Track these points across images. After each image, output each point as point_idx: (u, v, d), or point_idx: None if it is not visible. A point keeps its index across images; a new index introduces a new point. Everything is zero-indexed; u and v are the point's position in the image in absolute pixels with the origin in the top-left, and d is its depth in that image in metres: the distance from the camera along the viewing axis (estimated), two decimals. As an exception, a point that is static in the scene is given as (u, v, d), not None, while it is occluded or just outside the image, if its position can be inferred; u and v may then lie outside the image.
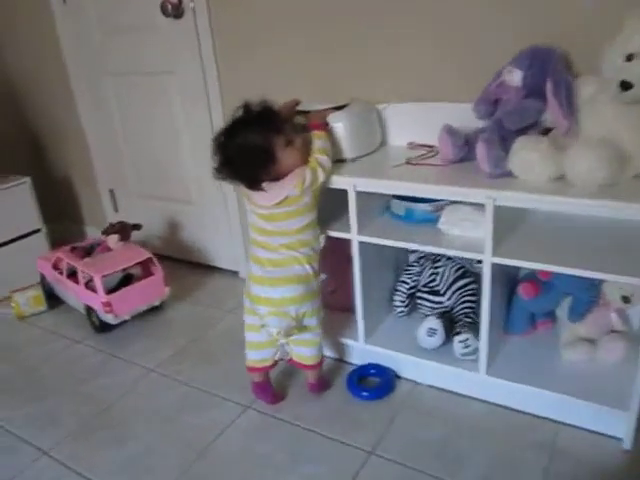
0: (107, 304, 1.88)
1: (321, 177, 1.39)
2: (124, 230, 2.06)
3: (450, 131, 1.40)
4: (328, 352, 1.72)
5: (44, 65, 2.51)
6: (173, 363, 1.80)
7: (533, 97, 1.32)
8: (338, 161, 1.51)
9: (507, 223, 1.33)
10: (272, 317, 1.43)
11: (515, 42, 1.38)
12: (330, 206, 1.51)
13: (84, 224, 2.82)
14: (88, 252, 2.10)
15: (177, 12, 1.91)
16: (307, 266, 1.42)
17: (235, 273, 2.33)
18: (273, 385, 1.59)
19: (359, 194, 1.44)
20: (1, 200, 2.29)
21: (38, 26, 2.42)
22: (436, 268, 1.62)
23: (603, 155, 1.14)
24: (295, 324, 1.44)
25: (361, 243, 1.49)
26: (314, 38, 1.74)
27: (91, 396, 1.68)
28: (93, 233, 2.76)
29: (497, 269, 1.33)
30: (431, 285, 1.62)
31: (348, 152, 1.53)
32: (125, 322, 1.99)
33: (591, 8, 1.32)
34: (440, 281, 1.60)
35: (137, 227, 2.10)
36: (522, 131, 1.32)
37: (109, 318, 1.91)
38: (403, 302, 1.68)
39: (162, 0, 1.88)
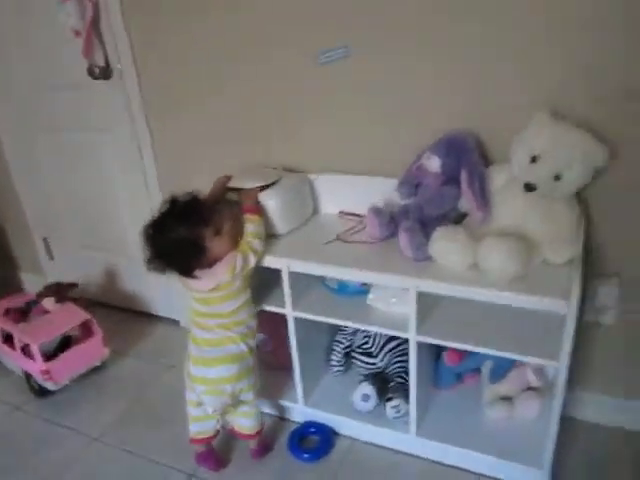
0: (45, 372, 1.87)
1: (252, 262, 1.43)
2: (60, 291, 2.04)
3: (376, 212, 1.48)
4: (269, 410, 1.79)
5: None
6: (117, 429, 1.81)
7: (451, 184, 1.41)
8: (271, 236, 1.57)
9: (430, 301, 1.42)
10: (208, 396, 1.49)
11: (441, 124, 1.47)
12: (266, 278, 1.56)
13: (20, 271, 2.75)
14: (24, 312, 2.06)
15: (105, 74, 1.89)
16: (242, 344, 1.47)
17: (176, 322, 2.34)
18: (216, 452, 1.64)
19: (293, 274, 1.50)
20: None
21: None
22: (369, 330, 1.70)
23: (513, 250, 1.24)
24: (231, 401, 1.50)
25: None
26: (247, 104, 1.77)
27: (35, 471, 1.68)
28: (29, 280, 2.70)
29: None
30: (364, 347, 1.70)
31: (280, 228, 1.58)
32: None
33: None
34: (372, 343, 1.69)
35: (74, 286, 2.08)
36: (442, 216, 1.42)
37: (48, 385, 1.90)
38: (339, 361, 1.76)
39: (88, 65, 1.85)
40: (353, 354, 1.74)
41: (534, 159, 1.26)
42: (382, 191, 1.58)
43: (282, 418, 1.80)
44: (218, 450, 1.65)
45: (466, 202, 1.39)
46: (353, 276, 1.42)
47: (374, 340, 1.68)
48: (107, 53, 1.88)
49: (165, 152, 1.99)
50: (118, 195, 2.21)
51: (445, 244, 1.31)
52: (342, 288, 1.57)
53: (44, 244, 2.53)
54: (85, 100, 2.05)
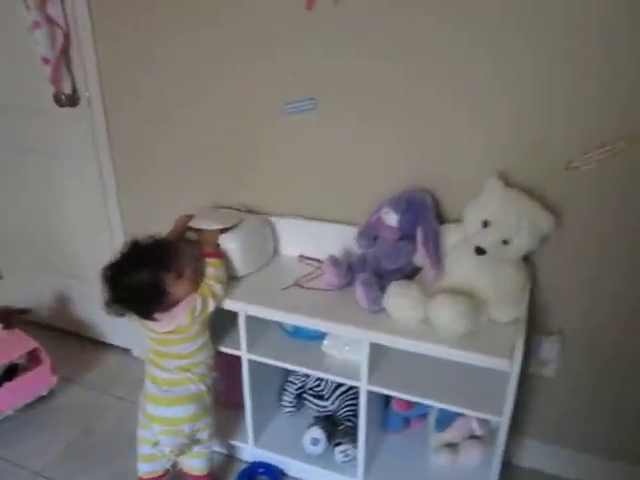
0: (-13, 403, 1.82)
1: (211, 306, 1.45)
2: (8, 317, 1.99)
3: (334, 262, 1.52)
4: (219, 449, 1.79)
5: None
6: (62, 462, 1.78)
7: (407, 239, 1.47)
8: (232, 278, 1.58)
9: (382, 350, 1.46)
10: (165, 436, 1.48)
11: (401, 178, 1.54)
12: (222, 318, 1.57)
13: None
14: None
15: (72, 102, 1.88)
16: (201, 385, 1.48)
17: (127, 351, 2.30)
18: (164, 493, 1.63)
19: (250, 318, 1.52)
20: None
21: None
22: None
23: (462, 310, 1.29)
24: (188, 441, 1.50)
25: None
26: (213, 142, 1.79)
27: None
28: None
29: (373, 394, 1.47)
30: (316, 389, 1.73)
31: (240, 270, 1.60)
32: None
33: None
34: (324, 387, 1.71)
35: (24, 312, 2.04)
36: (397, 270, 1.47)
37: (-11, 416, 1.85)
38: (291, 402, 1.77)
39: (55, 91, 1.84)
40: (305, 395, 1.76)
41: (485, 224, 1.33)
42: (342, 238, 1.62)
43: (231, 457, 1.80)
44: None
45: (420, 260, 1.45)
46: (308, 324, 1.45)
47: (326, 383, 1.71)
48: (75, 81, 1.87)
49: (129, 184, 1.98)
50: (75, 221, 2.18)
51: (398, 300, 1.36)
52: (298, 332, 1.59)
53: (-6, 263, 2.46)
54: (50, 125, 2.02)
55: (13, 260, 2.45)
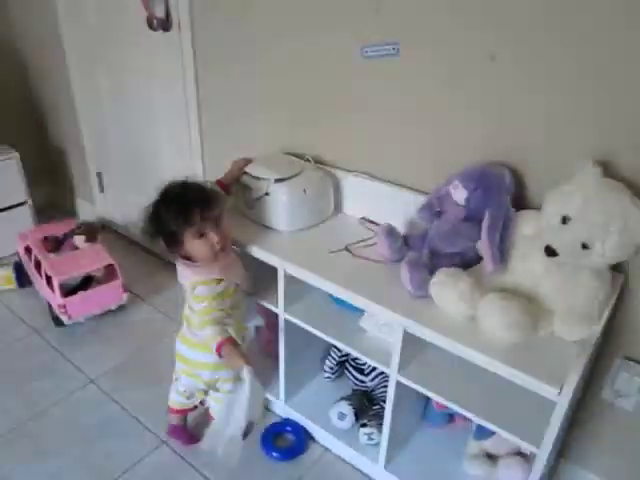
0: (62, 306, 1.96)
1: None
2: (91, 231, 2.10)
3: (388, 232, 1.35)
4: (255, 397, 1.77)
5: (45, 41, 2.49)
6: (113, 376, 1.88)
7: (472, 221, 1.25)
8: (276, 231, 1.50)
9: (420, 341, 1.30)
10: (184, 375, 1.50)
11: (483, 149, 1.31)
12: (267, 270, 1.50)
13: (76, 196, 2.88)
14: (59, 243, 2.16)
15: (164, 26, 1.84)
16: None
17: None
18: (189, 428, 1.66)
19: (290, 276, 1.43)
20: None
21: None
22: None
23: (513, 318, 1.08)
24: (204, 388, 1.50)
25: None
26: (292, 82, 1.66)
27: (28, 397, 1.79)
28: (83, 206, 2.83)
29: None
30: (358, 362, 1.62)
31: (287, 225, 1.50)
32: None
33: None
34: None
35: (103, 228, 2.14)
36: (455, 254, 1.27)
37: (64, 318, 1.99)
38: (332, 369, 1.69)
39: (147, 15, 1.81)
40: (347, 365, 1.67)
41: (564, 220, 1.08)
42: (409, 206, 1.44)
43: (265, 408, 1.78)
44: (191, 425, 1.67)
45: (481, 249, 1.23)
46: (343, 296, 1.32)
47: (368, 357, 1.60)
48: (169, 5, 1.82)
49: (209, 110, 1.95)
50: (162, 143, 2.22)
51: (442, 291, 1.18)
52: (341, 299, 1.48)
53: (97, 178, 2.61)
54: (145, 47, 2.03)
55: (112, 177, 2.58)
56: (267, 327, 1.73)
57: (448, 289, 1.17)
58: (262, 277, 1.52)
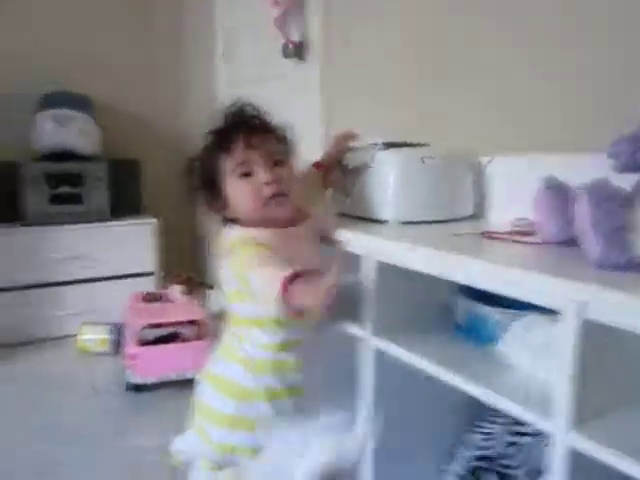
0: (133, 357, 1.61)
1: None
2: (191, 283, 1.80)
3: (552, 187, 0.78)
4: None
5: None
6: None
7: None
8: (379, 222, 1.01)
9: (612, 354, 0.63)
10: (191, 430, 0.97)
11: None
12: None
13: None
14: (160, 297, 1.90)
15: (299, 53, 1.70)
16: None
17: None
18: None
19: (386, 270, 0.89)
20: (130, 236, 2.31)
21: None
22: (516, 434, 0.91)
23: None
24: (211, 457, 0.93)
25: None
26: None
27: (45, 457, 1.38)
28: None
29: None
30: (504, 462, 0.91)
31: (392, 211, 1.00)
32: (154, 389, 1.67)
33: None
34: (517, 455, 0.89)
35: (207, 286, 1.83)
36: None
37: (132, 375, 1.62)
38: (460, 477, 0.99)
39: (284, 39, 1.68)
40: (487, 474, 0.95)
41: None
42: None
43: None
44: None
45: None
46: (462, 266, 0.74)
47: (525, 453, 0.89)
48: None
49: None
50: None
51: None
52: (472, 325, 0.87)
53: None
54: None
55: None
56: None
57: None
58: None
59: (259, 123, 0.90)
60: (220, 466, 0.94)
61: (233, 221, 0.92)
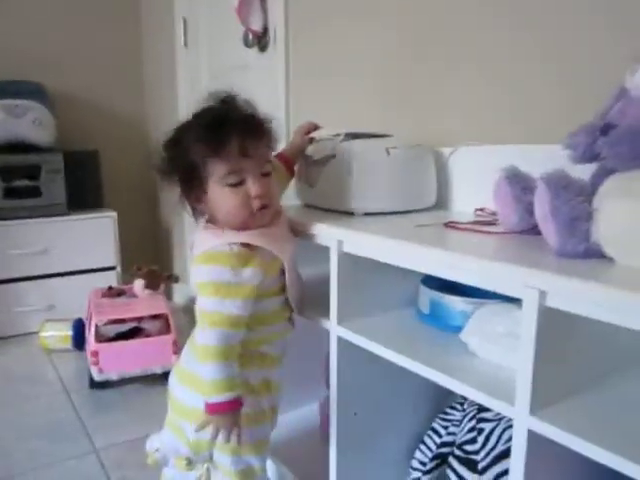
0: (94, 354, 1.56)
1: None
2: (153, 277, 1.76)
3: (511, 177, 0.79)
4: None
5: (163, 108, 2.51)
6: (120, 451, 1.37)
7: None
8: (345, 213, 1.00)
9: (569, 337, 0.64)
10: (166, 428, 0.96)
11: None
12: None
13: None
14: (123, 292, 1.85)
15: (260, 44, 1.67)
16: None
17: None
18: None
19: (351, 260, 0.89)
20: (89, 230, 2.25)
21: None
22: (482, 421, 0.93)
23: None
24: (188, 455, 0.93)
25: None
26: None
27: (22, 454, 1.35)
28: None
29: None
30: (468, 448, 0.93)
31: (356, 201, 1.00)
32: (119, 384, 1.64)
33: None
34: (482, 446, 0.90)
35: (172, 279, 1.79)
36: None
37: (94, 372, 1.58)
38: (423, 464, 1.00)
39: (244, 28, 1.65)
40: (450, 459, 0.97)
41: None
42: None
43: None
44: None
45: None
46: (424, 256, 0.74)
47: (486, 440, 0.90)
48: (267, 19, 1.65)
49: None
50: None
51: (629, 207, 0.57)
52: (436, 314, 0.88)
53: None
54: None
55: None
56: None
57: (628, 199, 0.56)
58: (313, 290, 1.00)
59: (255, 125, 0.86)
60: (194, 463, 0.94)
61: (208, 220, 0.89)
